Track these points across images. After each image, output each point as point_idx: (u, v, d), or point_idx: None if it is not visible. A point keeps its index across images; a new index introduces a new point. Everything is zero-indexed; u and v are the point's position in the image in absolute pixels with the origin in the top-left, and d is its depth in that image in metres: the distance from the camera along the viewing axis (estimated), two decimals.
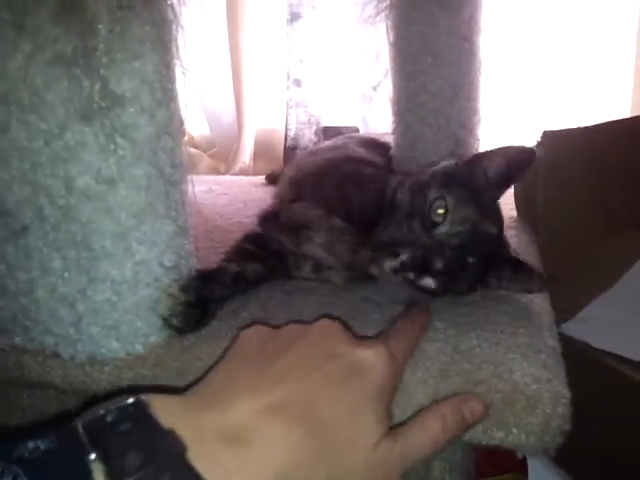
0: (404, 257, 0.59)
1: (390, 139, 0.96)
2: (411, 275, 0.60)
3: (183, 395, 0.36)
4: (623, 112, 1.38)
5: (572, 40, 1.39)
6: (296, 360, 0.38)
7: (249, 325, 0.43)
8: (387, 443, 0.37)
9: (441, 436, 0.40)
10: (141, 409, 0.32)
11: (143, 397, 0.32)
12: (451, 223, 0.58)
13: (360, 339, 0.42)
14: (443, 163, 0.66)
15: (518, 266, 0.63)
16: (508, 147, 0.62)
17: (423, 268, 0.59)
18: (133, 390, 0.33)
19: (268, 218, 0.72)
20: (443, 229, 0.59)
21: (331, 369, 0.38)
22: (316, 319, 0.43)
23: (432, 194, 0.59)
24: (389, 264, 0.60)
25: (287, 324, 0.43)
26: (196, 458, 0.30)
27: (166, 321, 0.54)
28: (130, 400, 0.32)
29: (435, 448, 0.40)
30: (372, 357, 0.39)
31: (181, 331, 0.55)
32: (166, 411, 0.32)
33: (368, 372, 0.39)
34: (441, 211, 0.59)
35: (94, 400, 0.33)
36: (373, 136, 1.10)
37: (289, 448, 0.34)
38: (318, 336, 0.41)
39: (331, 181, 0.72)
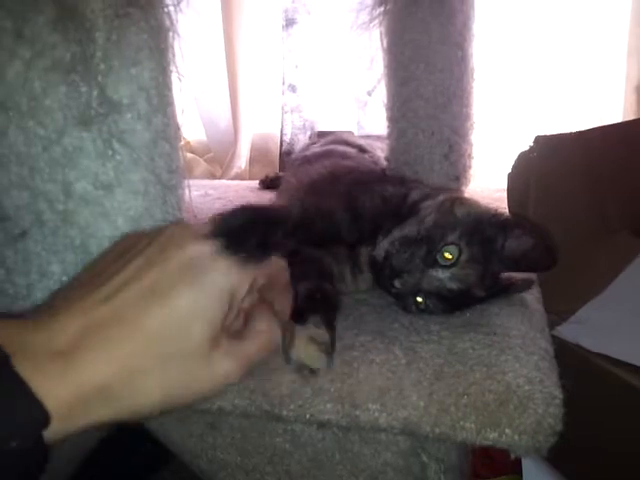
0: (398, 285, 0.58)
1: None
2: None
3: (22, 318, 0.38)
4: (616, 117, 1.39)
5: (564, 45, 1.40)
6: (132, 273, 0.38)
7: None
8: (221, 352, 0.39)
9: (270, 336, 0.43)
10: None
11: None
12: (451, 276, 0.57)
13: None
14: (482, 207, 0.64)
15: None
16: (544, 236, 0.60)
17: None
18: None
19: None
20: (441, 275, 0.57)
21: (167, 275, 0.38)
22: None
23: (452, 237, 0.58)
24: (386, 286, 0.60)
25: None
26: (21, 366, 0.33)
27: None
28: None
29: (271, 348, 0.43)
30: (217, 257, 0.39)
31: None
32: None
33: (210, 273, 0.39)
34: (449, 256, 0.57)
35: None
36: (359, 141, 1.12)
37: (113, 363, 0.36)
38: (162, 242, 0.40)
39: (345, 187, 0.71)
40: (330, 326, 0.51)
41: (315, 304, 0.53)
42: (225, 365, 0.40)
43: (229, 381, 0.41)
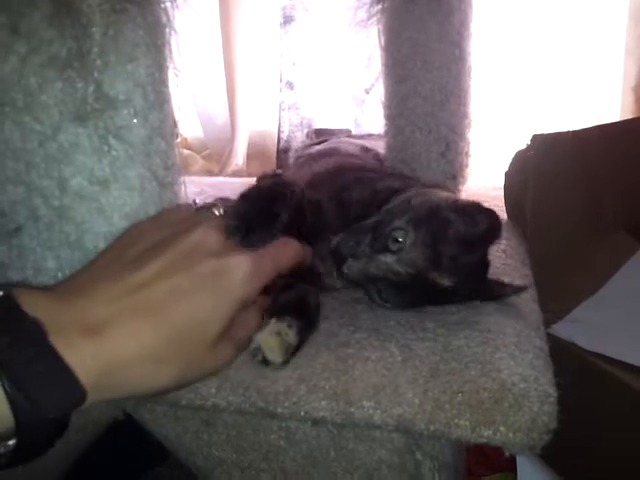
0: (345, 270, 0.58)
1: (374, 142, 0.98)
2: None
3: (52, 289, 0.42)
4: (613, 116, 1.39)
5: (562, 45, 1.40)
6: (162, 269, 0.43)
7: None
8: (224, 343, 0.45)
9: (256, 316, 0.50)
10: (10, 301, 0.37)
11: (13, 291, 0.37)
12: (397, 259, 0.57)
13: (232, 249, 0.46)
14: (445, 195, 0.64)
15: None
16: (491, 213, 0.60)
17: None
18: (4, 286, 0.38)
19: None
20: (389, 259, 0.57)
21: (193, 279, 0.43)
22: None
23: (399, 222, 0.58)
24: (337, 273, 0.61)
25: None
26: (56, 342, 0.36)
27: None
28: (0, 293, 0.37)
29: (253, 330, 0.50)
30: (237, 269, 0.45)
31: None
32: (33, 303, 0.37)
33: (229, 284, 0.44)
34: (400, 240, 0.57)
35: None
36: (360, 141, 1.11)
37: (141, 345, 0.40)
38: (191, 245, 0.45)
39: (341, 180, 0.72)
40: (300, 333, 0.53)
41: (294, 311, 0.55)
42: (227, 350, 0.46)
43: (228, 362, 0.48)
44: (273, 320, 0.52)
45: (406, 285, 0.58)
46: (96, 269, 0.44)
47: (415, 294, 0.59)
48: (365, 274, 0.58)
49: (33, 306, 0.37)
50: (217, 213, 0.51)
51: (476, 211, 0.59)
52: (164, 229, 0.47)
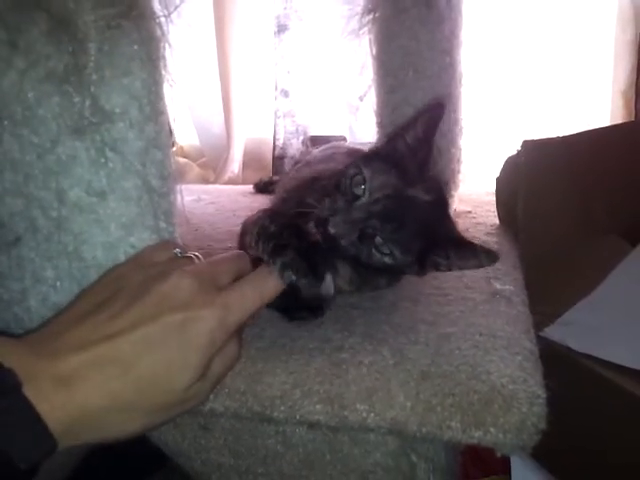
0: (332, 230, 0.57)
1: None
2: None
3: (26, 338, 0.43)
4: (603, 121, 1.41)
5: (552, 50, 1.42)
6: (133, 319, 0.43)
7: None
8: (198, 383, 0.45)
9: (235, 349, 0.48)
10: None
11: None
12: (370, 192, 0.58)
13: (206, 294, 0.45)
14: (369, 146, 0.68)
15: (462, 244, 0.60)
16: (420, 112, 0.63)
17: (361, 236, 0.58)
18: None
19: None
20: (363, 200, 0.58)
21: (162, 330, 0.43)
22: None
23: (351, 171, 0.60)
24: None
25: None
26: (29, 392, 0.37)
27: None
28: None
29: (231, 365, 0.49)
30: (206, 319, 0.44)
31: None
32: (7, 353, 0.39)
33: (197, 334, 0.44)
34: (362, 186, 0.59)
35: None
36: (358, 146, 1.12)
37: (109, 395, 0.41)
38: (164, 293, 0.44)
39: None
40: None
41: None
42: (201, 389, 0.46)
43: (203, 400, 0.47)
44: None
45: (394, 214, 0.57)
46: (73, 315, 0.45)
47: (408, 224, 0.58)
48: (351, 222, 0.57)
49: (7, 356, 0.38)
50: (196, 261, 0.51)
51: (405, 128, 0.63)
52: (142, 271, 0.47)
